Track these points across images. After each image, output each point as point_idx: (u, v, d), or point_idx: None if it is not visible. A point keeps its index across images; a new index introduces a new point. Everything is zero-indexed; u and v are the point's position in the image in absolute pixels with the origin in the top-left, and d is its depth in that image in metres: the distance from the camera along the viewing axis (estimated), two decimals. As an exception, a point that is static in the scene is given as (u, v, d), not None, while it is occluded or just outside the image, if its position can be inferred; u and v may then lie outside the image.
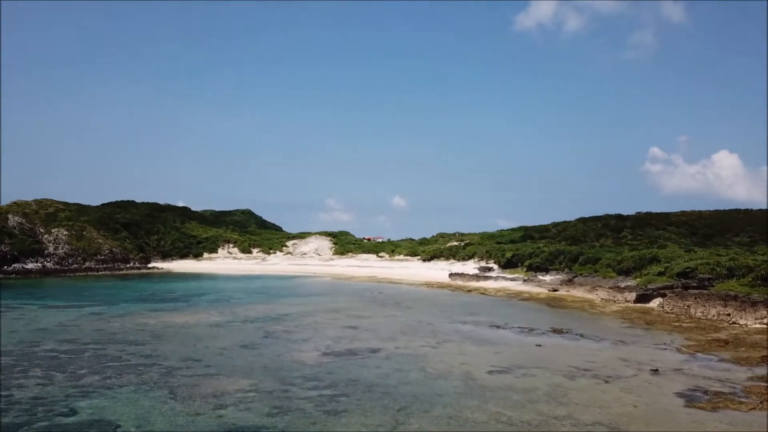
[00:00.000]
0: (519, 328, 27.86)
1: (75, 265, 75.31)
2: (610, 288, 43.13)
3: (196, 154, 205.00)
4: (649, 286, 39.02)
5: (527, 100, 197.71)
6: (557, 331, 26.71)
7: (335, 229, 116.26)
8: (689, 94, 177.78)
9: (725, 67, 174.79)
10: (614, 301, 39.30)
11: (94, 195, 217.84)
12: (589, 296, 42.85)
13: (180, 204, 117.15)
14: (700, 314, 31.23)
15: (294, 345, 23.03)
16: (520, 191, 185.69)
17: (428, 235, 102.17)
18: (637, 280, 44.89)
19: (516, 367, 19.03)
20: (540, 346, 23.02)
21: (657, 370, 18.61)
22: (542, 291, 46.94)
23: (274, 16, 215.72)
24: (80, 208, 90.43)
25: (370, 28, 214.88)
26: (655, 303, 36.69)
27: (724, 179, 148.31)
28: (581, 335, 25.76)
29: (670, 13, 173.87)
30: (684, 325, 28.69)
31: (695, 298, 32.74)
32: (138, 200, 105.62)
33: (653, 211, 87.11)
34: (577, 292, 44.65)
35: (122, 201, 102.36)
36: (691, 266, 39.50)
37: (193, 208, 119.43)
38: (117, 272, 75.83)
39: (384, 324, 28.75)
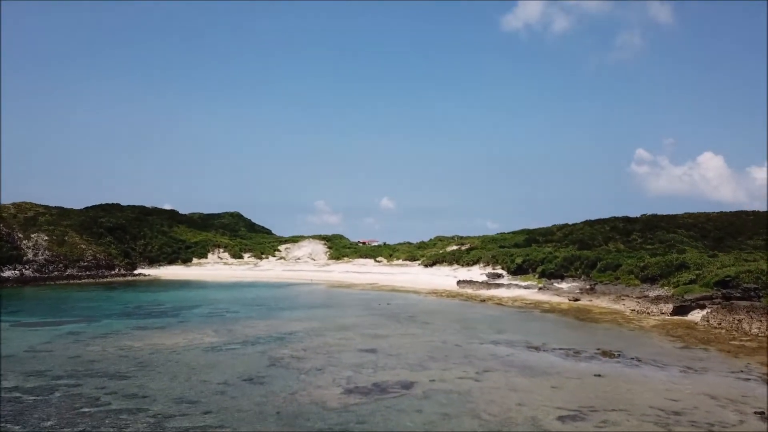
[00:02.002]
0: (561, 349, 24.33)
1: (56, 273, 70.74)
2: (639, 298, 39.84)
3: (183, 155, 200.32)
4: (687, 297, 35.71)
5: (513, 101, 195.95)
6: (607, 355, 23.21)
7: (326, 231, 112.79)
8: (675, 96, 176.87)
9: (711, 68, 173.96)
10: (647, 313, 35.94)
11: (77, 198, 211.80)
12: (617, 307, 39.49)
13: (167, 207, 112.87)
14: (756, 330, 27.91)
15: (308, 378, 19.28)
16: (507, 192, 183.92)
17: (420, 237, 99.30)
18: (666, 288, 41.71)
19: (588, 410, 15.47)
20: (600, 376, 19.47)
21: (764, 413, 15.14)
22: (562, 301, 43.54)
23: (263, 16, 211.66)
24: (62, 212, 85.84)
25: (357, 30, 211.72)
26: (696, 316, 33.36)
27: (710, 181, 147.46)
28: (638, 360, 22.27)
29: (658, 13, 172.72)
30: (746, 344, 25.33)
31: (747, 311, 29.43)
32: (123, 203, 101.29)
33: (640, 212, 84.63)
34: (602, 302, 41.27)
35: (107, 204, 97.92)
36: (731, 274, 36.27)
37: (180, 211, 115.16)
38: (101, 280, 71.39)
39: (406, 346, 25.09)
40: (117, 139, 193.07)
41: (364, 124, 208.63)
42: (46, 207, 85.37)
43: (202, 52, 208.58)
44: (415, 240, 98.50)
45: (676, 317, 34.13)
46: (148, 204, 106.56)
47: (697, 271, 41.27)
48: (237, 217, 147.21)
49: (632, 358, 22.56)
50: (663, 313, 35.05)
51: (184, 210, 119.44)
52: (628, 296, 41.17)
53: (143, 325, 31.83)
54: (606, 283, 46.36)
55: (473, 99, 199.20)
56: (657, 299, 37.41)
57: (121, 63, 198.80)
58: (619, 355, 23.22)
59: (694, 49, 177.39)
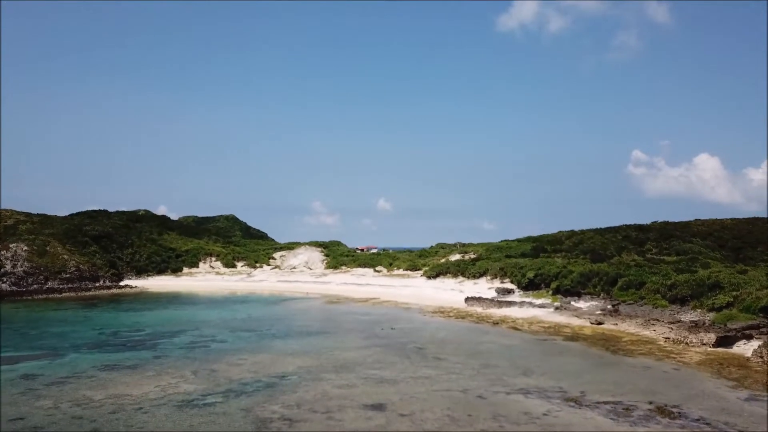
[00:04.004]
0: (606, 404, 20.29)
1: (35, 286, 66.43)
2: (672, 323, 35.94)
3: (179, 157, 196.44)
4: (731, 326, 31.78)
5: (509, 101, 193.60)
6: (665, 413, 19.19)
7: (322, 232, 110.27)
8: (671, 96, 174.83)
9: (708, 68, 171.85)
10: (685, 342, 31.91)
11: (67, 203, 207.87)
12: (647, 333, 35.52)
13: (162, 208, 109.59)
14: (826, 373, 23.97)
15: (302, 458, 15.20)
16: (503, 193, 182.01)
17: (417, 238, 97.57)
18: (698, 311, 37.90)
19: None
20: (671, 455, 15.46)
21: None
22: (584, 324, 39.55)
23: (259, 17, 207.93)
24: (44, 220, 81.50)
25: (352, 31, 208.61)
26: (745, 348, 29.36)
27: (707, 182, 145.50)
28: (705, 422, 18.25)
29: (655, 13, 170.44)
30: (824, 395, 21.34)
31: (812, 349, 25.48)
32: (118, 205, 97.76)
33: (638, 213, 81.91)
34: (630, 327, 37.27)
35: (93, 211, 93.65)
36: (779, 299, 32.37)
37: (175, 213, 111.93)
38: (84, 293, 67.02)
39: (420, 398, 20.99)
40: (112, 140, 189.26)
41: (360, 125, 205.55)
42: (28, 215, 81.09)
43: (199, 53, 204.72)
44: (412, 242, 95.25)
45: (720, 349, 30.17)
46: (143, 206, 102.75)
47: (733, 293, 37.39)
48: (232, 220, 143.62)
49: (697, 419, 18.54)
50: (704, 344, 31.04)
51: (179, 212, 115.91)
52: (658, 320, 37.23)
53: (113, 362, 27.64)
54: (630, 303, 42.43)
55: (468, 100, 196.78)
56: (695, 327, 33.45)
57: (116, 63, 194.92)
58: (680, 413, 19.20)
59: (691, 49, 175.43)
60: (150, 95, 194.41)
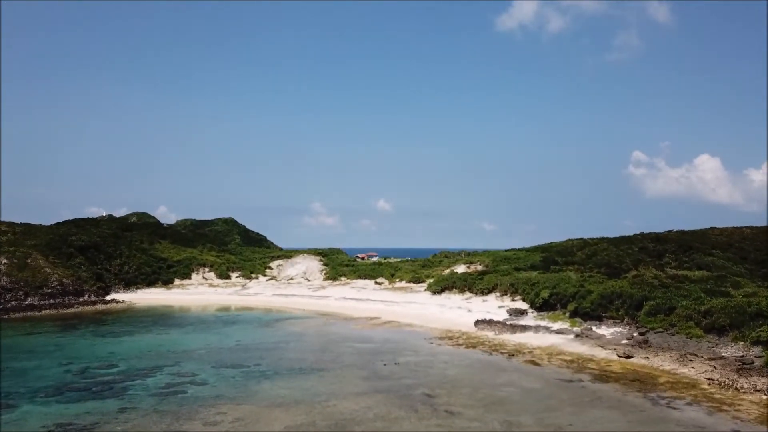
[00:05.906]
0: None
1: (13, 303, 62.17)
2: (713, 359, 31.83)
3: (180, 158, 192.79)
4: (788, 369, 27.60)
5: (508, 102, 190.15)
6: None
7: (322, 236, 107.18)
8: (672, 96, 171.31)
9: (708, 69, 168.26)
10: (735, 387, 27.72)
11: (68, 204, 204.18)
12: (685, 371, 31.35)
13: (162, 209, 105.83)
14: None
15: None
16: (502, 194, 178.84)
17: (417, 239, 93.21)
18: (741, 343, 33.77)
19: None
20: None
21: None
22: (611, 357, 35.36)
23: (261, 20, 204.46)
24: (27, 230, 77.45)
25: (353, 32, 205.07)
26: (810, 400, 25.21)
27: (708, 183, 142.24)
28: None
29: (656, 13, 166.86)
30: None
31: None
32: (118, 206, 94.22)
33: (639, 214, 78.24)
34: (664, 363, 33.09)
35: (80, 219, 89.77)
36: (842, 338, 28.19)
37: (174, 215, 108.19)
38: (66, 310, 62.83)
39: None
40: (113, 141, 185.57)
41: (359, 125, 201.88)
42: (10, 224, 77.04)
43: (205, 58, 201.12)
44: (412, 243, 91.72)
45: (777, 398, 25.99)
46: (143, 208, 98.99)
47: (780, 323, 33.21)
48: (231, 223, 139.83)
49: None
50: (758, 390, 26.87)
51: (178, 213, 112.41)
52: (695, 355, 33.08)
53: (68, 418, 23.42)
54: (659, 332, 38.22)
55: (468, 100, 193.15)
56: (744, 368, 29.27)
57: (121, 66, 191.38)
58: None
59: (691, 49, 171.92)
60: (153, 98, 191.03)
